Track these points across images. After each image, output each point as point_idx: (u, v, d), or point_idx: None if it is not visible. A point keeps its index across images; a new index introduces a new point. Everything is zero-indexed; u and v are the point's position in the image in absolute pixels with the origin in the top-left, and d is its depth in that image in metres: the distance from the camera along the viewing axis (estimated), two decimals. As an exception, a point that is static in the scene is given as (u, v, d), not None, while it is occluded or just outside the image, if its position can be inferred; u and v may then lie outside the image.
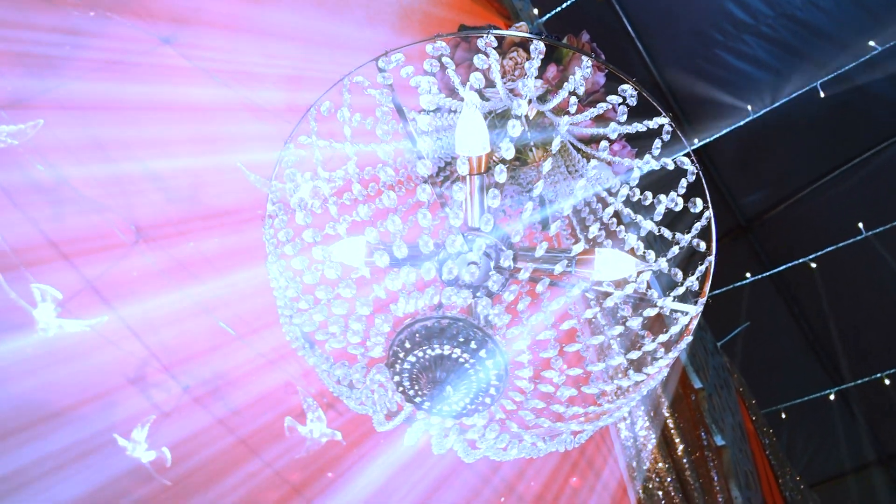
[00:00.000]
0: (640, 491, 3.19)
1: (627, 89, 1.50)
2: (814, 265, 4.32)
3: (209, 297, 3.40)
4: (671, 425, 2.86)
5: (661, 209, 1.56)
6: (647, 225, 1.64)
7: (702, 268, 1.63)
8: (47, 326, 3.13)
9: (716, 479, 3.19)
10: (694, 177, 1.54)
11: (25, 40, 2.86)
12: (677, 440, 2.83)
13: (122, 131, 2.99)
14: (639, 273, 1.60)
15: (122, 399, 3.62)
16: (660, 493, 3.03)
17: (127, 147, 3.03)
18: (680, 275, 1.66)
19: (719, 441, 3.34)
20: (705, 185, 1.56)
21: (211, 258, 3.22)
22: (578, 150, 2.16)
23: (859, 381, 5.11)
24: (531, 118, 2.35)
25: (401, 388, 1.40)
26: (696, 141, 4.62)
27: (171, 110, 3.02)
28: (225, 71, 3.14)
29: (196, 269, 3.29)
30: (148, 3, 3.09)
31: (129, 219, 3.28)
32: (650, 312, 1.55)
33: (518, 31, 1.49)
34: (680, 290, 1.58)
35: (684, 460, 3.09)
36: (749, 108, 4.25)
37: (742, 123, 4.28)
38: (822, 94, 4.14)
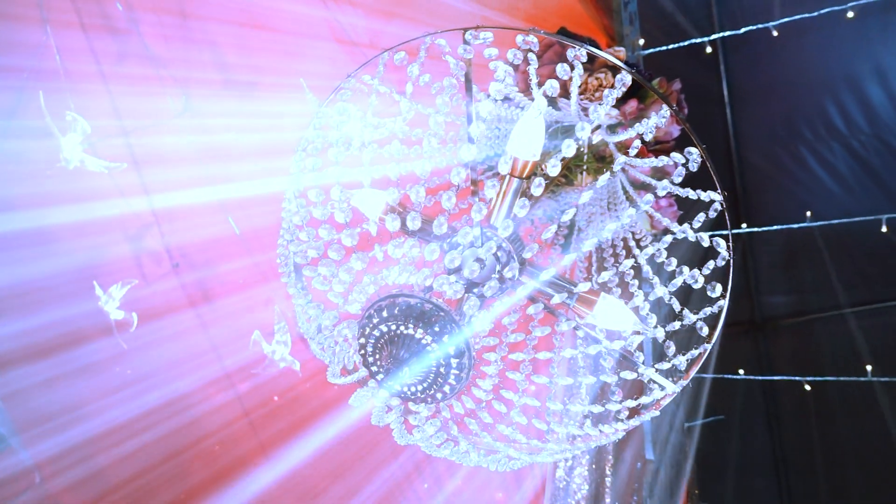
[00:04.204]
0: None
1: (694, 153, 1.45)
2: (808, 387, 4.23)
3: (231, 195, 3.40)
4: (607, 484, 2.84)
5: (678, 281, 1.52)
6: (660, 291, 1.59)
7: (695, 352, 1.58)
8: (70, 158, 3.15)
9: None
10: (724, 262, 1.49)
11: None
12: (608, 500, 2.80)
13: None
14: (632, 333, 1.56)
15: (113, 252, 3.66)
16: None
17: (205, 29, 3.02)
18: (673, 349, 1.62)
19: (649, 516, 3.31)
20: (731, 275, 1.51)
21: (250, 152, 3.19)
22: (626, 191, 2.11)
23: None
24: (594, 143, 2.30)
25: (362, 351, 1.38)
26: (744, 225, 4.50)
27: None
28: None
29: (230, 160, 3.28)
30: None
31: (185, 92, 3.27)
32: (628, 375, 1.52)
33: (611, 55, 1.43)
34: (665, 365, 1.55)
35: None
36: (809, 213, 4.14)
37: (797, 227, 4.18)
38: (884, 229, 4.03)
